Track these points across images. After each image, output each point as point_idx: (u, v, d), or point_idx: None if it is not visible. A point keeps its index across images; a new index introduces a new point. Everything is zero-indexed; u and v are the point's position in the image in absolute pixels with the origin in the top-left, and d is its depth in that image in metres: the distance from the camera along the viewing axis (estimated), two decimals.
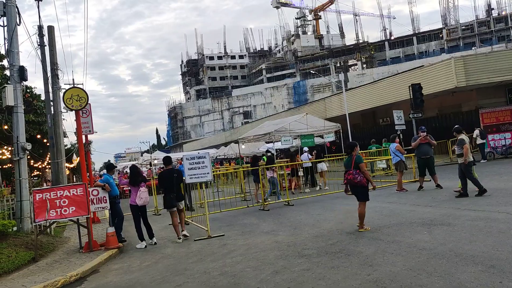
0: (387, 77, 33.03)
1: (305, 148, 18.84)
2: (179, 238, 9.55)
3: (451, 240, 6.68)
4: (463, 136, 10.66)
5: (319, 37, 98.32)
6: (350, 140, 27.49)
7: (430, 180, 13.32)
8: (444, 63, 23.66)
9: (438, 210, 9.29)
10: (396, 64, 78.87)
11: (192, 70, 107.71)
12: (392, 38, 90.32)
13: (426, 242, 6.76)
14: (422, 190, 12.74)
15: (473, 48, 71.06)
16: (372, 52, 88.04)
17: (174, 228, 9.76)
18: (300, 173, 17.26)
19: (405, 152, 13.92)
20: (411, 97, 19.12)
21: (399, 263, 5.81)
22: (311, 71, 65.99)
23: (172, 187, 9.67)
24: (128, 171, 15.24)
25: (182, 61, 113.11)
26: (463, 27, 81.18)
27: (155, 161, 34.79)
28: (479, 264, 5.39)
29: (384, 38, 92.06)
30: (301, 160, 17.31)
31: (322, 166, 17.39)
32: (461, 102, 26.37)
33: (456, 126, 11.16)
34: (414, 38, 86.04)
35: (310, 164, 17.40)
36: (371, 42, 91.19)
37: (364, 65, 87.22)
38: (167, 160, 10.43)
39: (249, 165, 24.21)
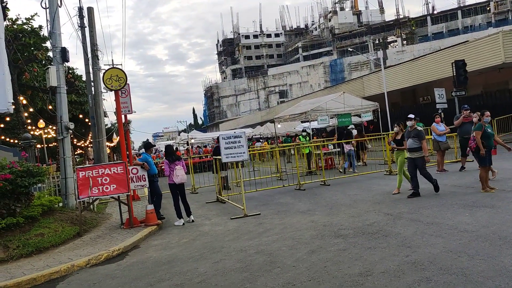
0: (428, 54, 31.72)
1: (351, 126, 19.29)
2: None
3: (495, 223, 6.44)
4: (421, 128, 9.87)
5: (358, 13, 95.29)
6: (387, 119, 26.87)
7: (472, 161, 12.81)
8: (491, 38, 22.46)
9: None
10: (439, 39, 75.40)
11: (228, 50, 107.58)
12: (435, 12, 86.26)
13: (468, 224, 6.55)
14: (464, 171, 12.32)
15: None
16: (413, 28, 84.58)
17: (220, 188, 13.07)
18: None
19: (444, 131, 13.32)
20: (454, 74, 18.35)
21: (439, 245, 5.67)
22: (349, 49, 64.48)
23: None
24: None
25: (218, 41, 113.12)
26: None
27: (192, 140, 35.40)
28: None
29: (426, 13, 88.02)
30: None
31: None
32: (509, 79, 25.09)
33: (413, 115, 10.11)
34: (459, 11, 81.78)
35: None
36: (412, 17, 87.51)
37: (404, 42, 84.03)
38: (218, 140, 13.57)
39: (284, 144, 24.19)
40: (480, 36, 29.10)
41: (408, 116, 9.97)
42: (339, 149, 17.28)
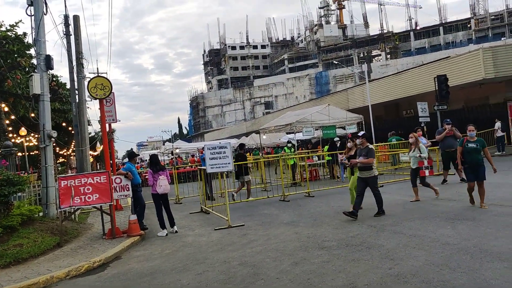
0: (411, 68, 32.32)
1: (336, 138, 19.24)
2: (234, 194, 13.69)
3: (476, 236, 6.53)
4: (372, 147, 9.32)
5: (343, 27, 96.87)
6: (371, 132, 27.17)
7: (454, 174, 13.03)
8: (472, 54, 23.02)
9: (462, 204, 9.09)
10: (421, 55, 77.06)
11: (214, 60, 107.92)
12: (418, 28, 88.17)
13: (449, 237, 6.63)
14: (446, 184, 12.49)
15: (502, 38, 68.87)
16: (397, 43, 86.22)
17: (237, 189, 14.04)
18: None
19: (426, 144, 13.49)
20: (436, 88, 18.71)
21: (421, 258, 5.72)
22: (334, 62, 65.24)
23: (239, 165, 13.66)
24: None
25: (204, 51, 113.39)
26: (493, 17, 78.54)
27: (177, 150, 35.23)
28: (505, 260, 5.26)
29: (409, 28, 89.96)
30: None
31: None
32: (489, 94, 25.65)
33: (364, 132, 9.84)
34: (441, 28, 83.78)
35: None
36: (396, 32, 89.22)
37: (388, 56, 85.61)
38: (240, 147, 15.56)
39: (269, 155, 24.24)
40: (461, 52, 29.82)
41: (358, 133, 9.68)
42: (323, 161, 17.37)
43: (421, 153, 10.36)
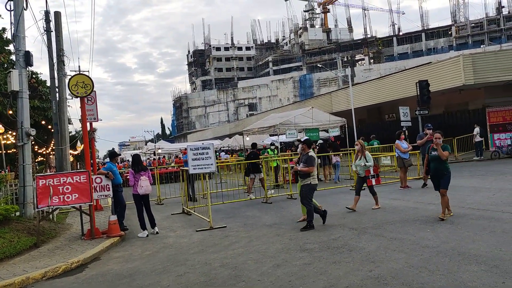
0: (394, 73, 32.75)
1: (320, 141, 19.35)
2: (251, 193, 13.90)
3: (454, 239, 6.63)
4: (313, 153, 8.92)
5: (327, 31, 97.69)
6: (354, 135, 27.42)
7: None
8: (452, 60, 23.44)
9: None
10: (404, 60, 78.25)
11: (199, 61, 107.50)
12: (401, 33, 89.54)
13: (429, 240, 6.72)
14: (426, 188, 12.66)
15: (482, 46, 70.51)
16: (380, 47, 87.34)
17: (248, 188, 14.36)
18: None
19: (407, 148, 13.62)
20: (418, 93, 19.00)
21: (401, 260, 5.77)
22: (318, 65, 65.62)
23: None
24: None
25: (189, 51, 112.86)
26: (473, 25, 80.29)
27: (159, 151, 34.95)
28: (482, 263, 5.34)
29: (392, 34, 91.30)
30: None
31: None
32: (468, 100, 26.16)
33: (306, 138, 9.47)
34: (423, 34, 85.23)
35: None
36: (379, 37, 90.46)
37: (372, 60, 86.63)
38: (253, 146, 16.33)
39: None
40: (442, 58, 30.33)
41: (306, 139, 9.28)
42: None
43: (366, 161, 10.12)
